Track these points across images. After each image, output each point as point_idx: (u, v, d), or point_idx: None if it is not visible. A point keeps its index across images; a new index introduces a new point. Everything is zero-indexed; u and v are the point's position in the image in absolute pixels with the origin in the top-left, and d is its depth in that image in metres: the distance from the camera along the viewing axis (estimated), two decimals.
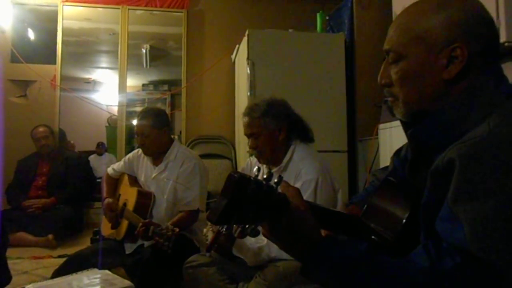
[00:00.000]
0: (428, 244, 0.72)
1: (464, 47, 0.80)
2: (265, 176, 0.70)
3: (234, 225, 0.72)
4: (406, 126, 0.92)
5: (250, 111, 1.82)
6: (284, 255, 1.62)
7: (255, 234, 0.72)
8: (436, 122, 0.83)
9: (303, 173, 1.69)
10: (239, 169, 2.27)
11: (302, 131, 1.86)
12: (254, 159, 1.98)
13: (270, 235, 0.78)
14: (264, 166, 1.89)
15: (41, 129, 3.92)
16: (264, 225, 0.76)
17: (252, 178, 0.68)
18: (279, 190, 0.74)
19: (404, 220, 0.87)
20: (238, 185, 0.67)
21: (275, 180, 0.72)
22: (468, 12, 0.82)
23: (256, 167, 0.73)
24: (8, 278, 1.71)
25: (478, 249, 0.65)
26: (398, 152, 1.15)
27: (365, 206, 0.99)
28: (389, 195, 0.96)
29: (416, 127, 0.87)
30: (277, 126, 1.78)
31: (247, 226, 0.71)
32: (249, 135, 1.82)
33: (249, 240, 1.66)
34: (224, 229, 0.72)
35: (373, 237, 0.88)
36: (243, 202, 0.68)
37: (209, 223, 1.77)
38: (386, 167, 1.24)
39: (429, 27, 0.83)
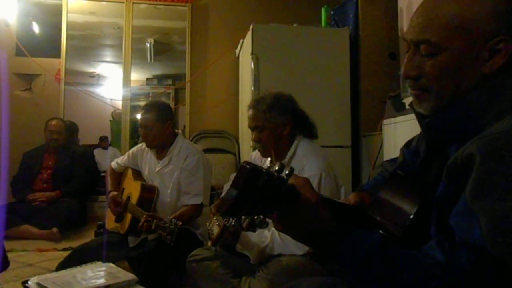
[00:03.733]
0: (442, 239, 0.72)
1: (509, 40, 0.76)
2: (276, 168, 0.70)
3: (243, 216, 0.71)
4: (422, 116, 0.89)
5: (256, 104, 1.81)
6: (287, 252, 1.64)
7: (263, 225, 0.72)
8: (455, 113, 0.80)
9: (307, 169, 1.69)
10: None
11: (307, 127, 1.85)
12: (257, 153, 1.98)
13: (279, 226, 0.76)
14: (268, 161, 1.89)
15: (56, 122, 3.91)
16: (274, 216, 0.75)
17: (264, 170, 0.68)
18: (289, 181, 0.73)
19: (412, 216, 0.86)
20: (250, 176, 0.66)
21: (286, 172, 0.71)
22: (511, 4, 0.78)
23: (269, 159, 0.73)
24: (6, 263, 1.71)
25: (495, 247, 0.63)
26: (408, 144, 1.12)
27: (373, 198, 0.98)
28: (397, 189, 0.95)
29: (433, 117, 0.84)
30: (282, 121, 1.77)
31: (255, 217, 0.71)
32: (253, 128, 1.81)
33: (253, 238, 1.66)
34: (232, 222, 0.71)
35: (380, 231, 0.88)
36: (254, 193, 0.67)
37: (213, 217, 1.77)
38: (395, 159, 1.22)
39: (474, 17, 0.77)
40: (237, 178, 0.68)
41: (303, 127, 1.84)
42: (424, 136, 0.93)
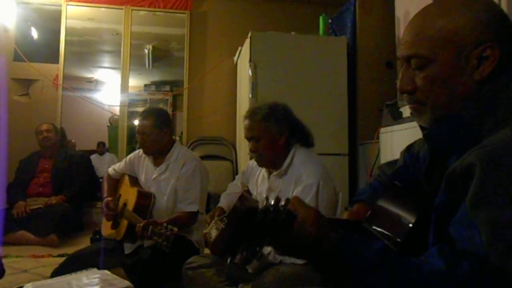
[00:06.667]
0: (443, 247, 0.72)
1: (495, 46, 0.78)
2: (272, 203, 0.69)
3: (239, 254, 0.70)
4: (422, 126, 0.90)
5: (251, 114, 1.82)
6: (287, 260, 1.63)
7: (258, 257, 0.71)
8: (452, 124, 0.81)
9: (304, 177, 1.69)
10: (240, 173, 2.27)
11: (303, 136, 1.85)
12: (254, 162, 1.99)
13: (279, 252, 0.77)
14: (264, 169, 1.89)
15: (45, 124, 3.94)
16: (270, 245, 0.75)
17: (259, 209, 0.67)
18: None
19: (409, 227, 0.86)
20: (244, 217, 0.66)
21: (282, 203, 0.71)
22: (493, 12, 0.81)
23: (265, 196, 0.71)
24: (1, 271, 1.71)
25: (495, 257, 0.64)
26: (409, 147, 1.13)
27: (370, 210, 0.98)
28: (395, 199, 0.96)
29: (432, 128, 0.85)
30: (278, 130, 1.78)
31: (250, 251, 0.70)
32: (249, 138, 1.82)
33: None
34: (226, 263, 0.70)
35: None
36: (249, 231, 0.67)
37: (212, 221, 1.77)
38: (394, 162, 1.22)
39: (457, 29, 0.80)
40: (231, 218, 0.68)
41: (299, 136, 1.84)
42: (427, 147, 0.94)
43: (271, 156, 1.79)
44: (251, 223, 0.66)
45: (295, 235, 0.72)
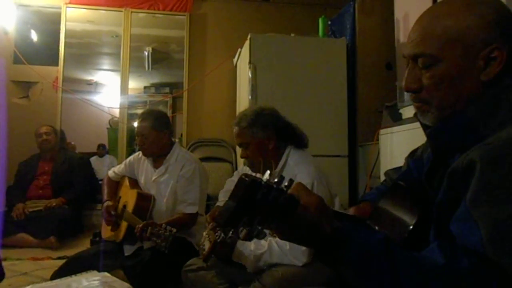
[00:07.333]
0: (443, 242, 0.72)
1: (502, 47, 0.78)
2: (276, 180, 0.70)
3: (241, 228, 0.70)
4: (427, 126, 0.90)
5: (238, 121, 1.82)
6: (285, 261, 1.63)
7: (260, 236, 0.71)
8: (457, 123, 0.82)
9: (298, 178, 1.67)
10: (235, 173, 2.27)
11: (294, 138, 1.84)
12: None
13: (280, 235, 0.76)
14: (258, 174, 1.89)
15: (44, 127, 3.94)
16: (273, 226, 0.74)
17: (263, 182, 0.68)
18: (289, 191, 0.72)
19: (411, 227, 0.86)
20: (249, 189, 0.66)
21: (285, 184, 0.71)
22: (501, 12, 0.81)
23: (268, 172, 0.71)
24: (1, 274, 1.70)
25: (494, 253, 0.65)
26: (413, 153, 1.14)
27: (373, 209, 0.98)
28: (397, 199, 0.96)
29: (435, 127, 0.86)
30: (265, 135, 1.77)
31: (253, 228, 0.70)
32: (239, 145, 1.83)
33: (249, 247, 1.65)
34: (229, 234, 0.70)
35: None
36: (252, 206, 0.67)
37: (205, 232, 1.76)
38: (399, 167, 1.23)
39: (465, 29, 0.80)
40: (236, 190, 0.68)
41: (290, 138, 1.83)
42: (430, 146, 0.94)
43: (262, 161, 1.78)
44: (255, 195, 0.66)
45: (297, 219, 0.71)
